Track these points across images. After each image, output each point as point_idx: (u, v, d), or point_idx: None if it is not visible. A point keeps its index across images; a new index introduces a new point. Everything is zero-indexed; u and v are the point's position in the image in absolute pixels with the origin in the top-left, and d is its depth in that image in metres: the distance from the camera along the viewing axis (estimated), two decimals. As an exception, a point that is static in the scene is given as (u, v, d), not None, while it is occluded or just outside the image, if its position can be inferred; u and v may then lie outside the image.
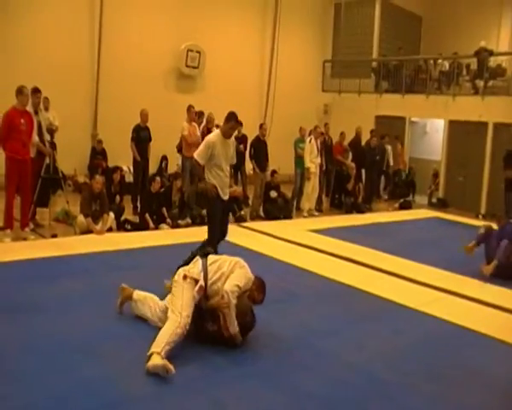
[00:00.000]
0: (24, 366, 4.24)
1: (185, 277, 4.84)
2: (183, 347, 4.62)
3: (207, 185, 6.75)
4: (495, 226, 8.46)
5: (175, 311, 4.66)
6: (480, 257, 8.18)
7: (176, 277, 4.95)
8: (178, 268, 5.10)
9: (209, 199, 6.79)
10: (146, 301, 5.23)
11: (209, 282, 4.86)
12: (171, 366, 4.20)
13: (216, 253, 6.18)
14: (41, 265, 6.85)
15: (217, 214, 6.86)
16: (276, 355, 4.86)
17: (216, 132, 6.93)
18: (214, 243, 6.73)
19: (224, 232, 7.07)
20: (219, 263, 5.00)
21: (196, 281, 4.82)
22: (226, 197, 6.93)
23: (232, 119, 6.75)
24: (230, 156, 6.98)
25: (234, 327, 4.77)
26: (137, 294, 5.31)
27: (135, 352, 4.53)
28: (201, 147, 6.76)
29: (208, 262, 5.00)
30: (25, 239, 7.92)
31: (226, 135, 6.78)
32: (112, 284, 5.58)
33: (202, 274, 4.87)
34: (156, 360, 4.26)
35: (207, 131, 11.72)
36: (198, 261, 5.03)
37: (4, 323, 5.02)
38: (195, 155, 6.78)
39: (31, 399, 3.79)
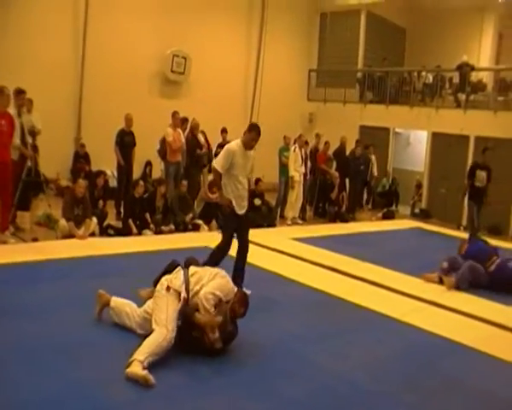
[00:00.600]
0: (8, 370, 4.20)
1: (168, 288, 4.83)
2: (166, 355, 4.57)
3: (223, 200, 6.56)
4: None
5: (160, 324, 4.61)
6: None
7: (158, 286, 4.93)
8: (159, 277, 5.07)
9: (223, 213, 6.66)
10: (123, 309, 5.17)
11: (190, 293, 4.84)
12: (151, 378, 4.17)
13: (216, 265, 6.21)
14: (21, 269, 6.76)
15: (228, 230, 6.63)
16: (260, 364, 4.84)
17: (236, 142, 6.58)
18: (221, 255, 6.57)
19: (242, 248, 6.73)
20: (200, 274, 4.98)
21: (179, 293, 4.81)
22: (243, 211, 6.64)
23: (254, 130, 6.50)
24: (249, 169, 6.70)
25: (214, 334, 4.72)
26: (115, 301, 5.25)
27: (114, 359, 4.49)
28: (221, 155, 6.52)
29: (189, 273, 4.98)
30: (5, 243, 7.81)
31: (247, 146, 6.49)
32: (93, 290, 5.50)
33: (184, 286, 4.85)
34: (137, 369, 4.21)
35: (191, 137, 11.73)
36: (179, 272, 5.01)
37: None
38: (214, 162, 6.61)
39: (15, 403, 3.76)
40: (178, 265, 5.22)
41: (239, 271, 6.65)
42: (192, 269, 5.08)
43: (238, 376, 4.59)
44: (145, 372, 4.20)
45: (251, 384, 4.47)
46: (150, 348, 4.42)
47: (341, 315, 6.43)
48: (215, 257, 6.53)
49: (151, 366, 4.30)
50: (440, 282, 7.94)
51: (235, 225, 6.63)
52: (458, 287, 7.74)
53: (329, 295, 7.06)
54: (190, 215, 10.52)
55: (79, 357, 4.54)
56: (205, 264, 6.03)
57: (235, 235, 6.72)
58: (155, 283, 5.07)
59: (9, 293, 5.84)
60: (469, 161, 14.41)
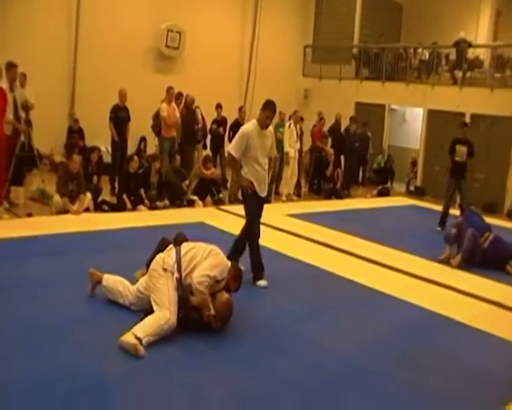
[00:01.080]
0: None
1: (165, 269, 4.76)
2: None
3: (243, 181, 6.28)
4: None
5: (162, 306, 4.57)
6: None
7: (154, 265, 4.86)
8: (152, 257, 5.04)
9: (245, 196, 6.36)
10: (116, 287, 5.12)
11: (183, 273, 4.75)
12: (141, 348, 4.20)
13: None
14: (15, 245, 6.74)
15: (254, 211, 6.36)
16: (254, 340, 4.86)
17: (252, 122, 6.25)
18: (253, 239, 6.39)
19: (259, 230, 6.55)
20: (193, 252, 4.86)
21: (172, 273, 4.76)
22: (264, 194, 6.40)
23: (268, 107, 6.11)
24: (268, 148, 6.33)
25: (210, 312, 4.70)
26: (106, 279, 5.19)
27: (108, 335, 4.48)
28: (236, 138, 6.24)
29: (182, 252, 4.87)
30: (-1, 218, 7.77)
31: (263, 125, 6.15)
32: (87, 266, 5.48)
33: (176, 266, 4.77)
34: (129, 338, 4.25)
35: (186, 111, 11.66)
36: (171, 251, 4.92)
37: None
38: (230, 147, 6.32)
39: (5, 382, 3.72)
40: (170, 243, 5.15)
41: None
42: (185, 247, 4.95)
43: (232, 351, 4.60)
44: (136, 341, 4.22)
45: (245, 360, 4.48)
46: (151, 328, 4.42)
47: (336, 291, 6.45)
48: (241, 242, 6.43)
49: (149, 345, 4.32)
50: (447, 262, 7.95)
51: (258, 208, 6.37)
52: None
53: (324, 270, 7.08)
54: (186, 182, 10.52)
55: (71, 335, 4.51)
56: (230, 253, 6.10)
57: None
58: (148, 264, 5.02)
59: (2, 269, 5.81)
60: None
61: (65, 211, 8.38)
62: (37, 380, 3.78)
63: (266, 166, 6.33)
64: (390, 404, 4.07)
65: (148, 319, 4.49)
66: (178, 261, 4.80)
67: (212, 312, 4.70)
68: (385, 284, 6.75)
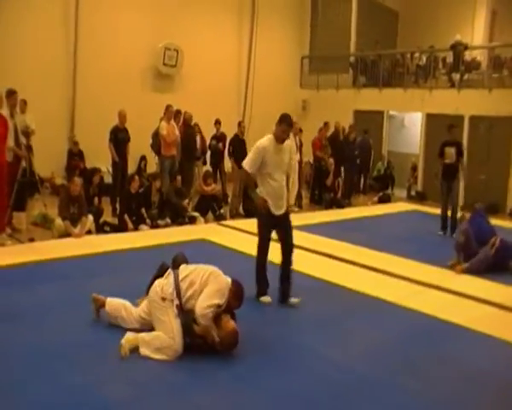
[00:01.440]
0: (5, 376, 4.20)
1: (163, 299, 4.74)
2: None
3: (257, 199, 6.03)
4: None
5: (168, 334, 4.60)
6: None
7: (152, 293, 4.85)
8: (151, 283, 5.02)
9: (258, 214, 6.13)
10: (119, 314, 5.11)
11: (183, 299, 4.73)
12: (127, 351, 4.52)
13: (263, 272, 6.27)
14: (19, 271, 6.77)
15: (263, 231, 6.12)
16: (258, 356, 4.85)
17: (268, 137, 5.99)
18: (260, 261, 6.22)
19: (285, 250, 6.23)
20: (192, 278, 4.80)
21: (172, 301, 4.73)
22: (280, 211, 6.05)
23: (284, 121, 5.88)
24: (286, 164, 6.05)
25: (214, 339, 4.70)
26: (109, 304, 5.18)
27: (113, 358, 4.52)
28: (251, 153, 6.01)
29: (180, 277, 4.82)
30: (2, 245, 7.82)
31: (279, 140, 5.89)
32: (91, 289, 5.51)
33: (175, 293, 4.74)
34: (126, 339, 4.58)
35: (184, 128, 11.74)
36: (170, 277, 4.88)
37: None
38: (244, 163, 6.01)
39: (11, 406, 3.76)
40: (168, 267, 5.11)
41: (285, 281, 6.20)
42: (183, 271, 4.89)
43: (237, 369, 4.59)
44: (124, 344, 4.52)
45: (250, 377, 4.47)
46: (153, 350, 4.57)
47: (340, 302, 6.44)
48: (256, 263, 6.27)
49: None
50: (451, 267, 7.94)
51: (272, 227, 6.11)
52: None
53: (326, 281, 7.08)
54: (186, 200, 10.59)
55: (79, 359, 4.53)
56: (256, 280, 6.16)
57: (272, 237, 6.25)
58: (148, 289, 5.00)
59: (7, 296, 5.84)
60: (465, 141, 14.38)
61: (67, 234, 8.42)
62: (47, 405, 3.81)
63: (284, 183, 6.05)
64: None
65: (156, 338, 4.62)
66: (177, 287, 4.75)
67: (217, 339, 4.70)
68: (388, 291, 6.75)
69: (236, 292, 4.89)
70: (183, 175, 11.42)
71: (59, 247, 7.91)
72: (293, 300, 6.11)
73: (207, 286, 4.73)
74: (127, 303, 5.18)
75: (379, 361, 4.87)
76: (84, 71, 13.34)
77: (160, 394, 4.10)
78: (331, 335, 5.43)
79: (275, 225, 6.12)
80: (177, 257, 5.39)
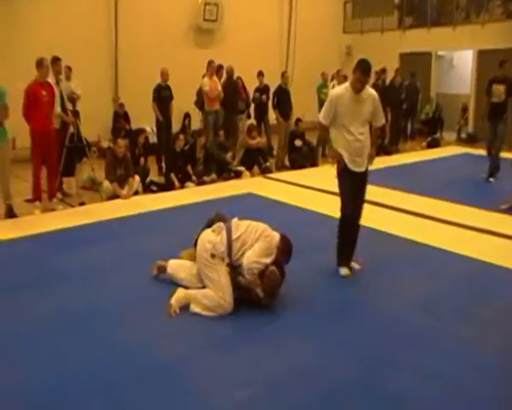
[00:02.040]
0: (58, 337, 4.30)
1: (213, 256, 4.71)
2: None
3: (330, 153, 5.61)
4: None
5: (217, 292, 4.62)
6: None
7: (202, 251, 4.77)
8: (200, 232, 5.00)
9: (338, 172, 5.49)
10: (178, 274, 5.13)
11: (233, 258, 4.70)
12: (176, 310, 4.63)
13: (347, 240, 5.55)
14: (71, 234, 6.92)
15: (345, 189, 5.47)
16: (306, 307, 4.84)
17: (344, 85, 5.52)
18: (344, 223, 5.51)
19: (356, 214, 5.54)
20: (243, 238, 4.72)
21: (223, 259, 4.71)
22: (359, 169, 5.42)
23: (358, 68, 5.22)
24: (365, 116, 5.38)
25: (258, 294, 4.72)
26: (170, 267, 5.21)
27: (163, 318, 4.59)
28: (325, 104, 5.54)
29: (233, 236, 4.74)
30: (53, 210, 7.99)
31: (354, 89, 5.30)
32: (141, 248, 5.62)
33: (227, 252, 4.70)
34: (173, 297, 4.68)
35: (227, 82, 11.66)
36: (222, 234, 4.78)
37: (37, 293, 5.10)
38: (319, 115, 5.57)
39: (67, 371, 3.83)
40: (219, 219, 5.04)
41: (351, 244, 5.64)
42: (236, 229, 4.79)
43: (285, 322, 4.60)
44: (174, 303, 4.63)
45: (299, 330, 4.47)
46: (202, 305, 4.64)
47: (389, 250, 6.34)
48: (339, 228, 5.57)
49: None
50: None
51: (351, 185, 5.45)
52: None
53: (375, 229, 6.94)
54: (230, 153, 10.58)
55: (131, 319, 4.59)
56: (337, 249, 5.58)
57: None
58: (195, 243, 4.97)
59: (61, 259, 5.98)
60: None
61: (115, 196, 8.54)
62: (98, 365, 3.88)
63: (363, 137, 5.38)
64: (453, 362, 3.97)
65: (201, 295, 4.67)
66: (229, 247, 4.70)
67: (261, 294, 4.71)
68: (439, 238, 6.61)
69: (284, 248, 4.81)
70: (228, 129, 11.39)
71: (108, 208, 8.05)
72: (355, 265, 5.70)
73: (257, 243, 4.69)
74: (187, 263, 5.17)
75: (430, 309, 4.79)
76: (126, 33, 13.33)
77: (210, 350, 4.14)
78: (380, 283, 5.37)
79: (353, 183, 5.45)
80: (218, 215, 5.25)
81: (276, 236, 4.84)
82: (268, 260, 4.68)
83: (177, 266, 5.20)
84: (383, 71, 13.53)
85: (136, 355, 4.03)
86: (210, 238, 4.80)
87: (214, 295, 4.63)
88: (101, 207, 8.17)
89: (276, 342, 4.26)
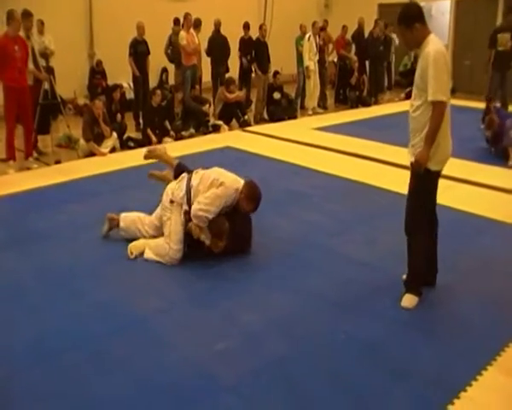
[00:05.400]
0: (36, 295, 4.32)
1: (172, 201, 4.80)
2: (192, 260, 4.71)
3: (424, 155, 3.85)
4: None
5: (165, 239, 4.75)
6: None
7: (164, 196, 4.89)
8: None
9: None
10: (133, 226, 5.13)
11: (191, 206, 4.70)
12: (133, 253, 4.84)
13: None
14: (47, 192, 6.86)
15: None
16: (286, 259, 4.86)
17: (437, 40, 3.90)
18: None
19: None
20: (199, 186, 4.74)
21: (181, 205, 4.75)
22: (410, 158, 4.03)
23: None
24: (417, 81, 3.95)
25: (207, 240, 4.70)
26: (124, 220, 5.16)
27: (141, 273, 4.63)
28: (438, 71, 3.72)
29: (192, 183, 4.78)
30: (28, 169, 7.87)
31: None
32: (118, 205, 5.56)
33: (185, 198, 4.74)
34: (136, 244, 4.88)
35: (216, 36, 11.75)
36: (183, 181, 4.88)
37: (15, 252, 5.08)
38: (434, 90, 3.72)
39: (45, 325, 3.86)
40: (183, 171, 5.08)
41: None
42: (195, 177, 4.85)
43: (265, 273, 4.63)
44: (131, 247, 4.86)
45: (278, 280, 4.50)
46: (154, 251, 4.79)
47: (369, 202, 6.31)
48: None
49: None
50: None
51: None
52: None
53: (355, 182, 6.99)
54: (207, 105, 10.52)
55: (108, 275, 4.61)
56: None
57: None
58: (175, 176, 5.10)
59: (37, 217, 5.93)
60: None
61: (92, 153, 8.44)
62: (74, 319, 3.91)
63: (415, 114, 3.93)
64: (431, 310, 4.02)
65: (154, 243, 4.83)
66: (188, 193, 4.74)
67: (207, 241, 4.69)
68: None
69: (249, 194, 4.74)
70: (217, 80, 11.56)
71: (85, 166, 7.95)
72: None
73: (207, 192, 4.67)
74: (141, 214, 5.20)
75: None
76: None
77: (187, 303, 4.18)
78: (359, 235, 5.37)
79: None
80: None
81: (239, 182, 4.79)
82: (217, 210, 4.63)
83: (131, 221, 5.16)
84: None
85: (114, 310, 4.05)
86: (172, 185, 4.94)
87: (163, 242, 4.73)
88: (78, 165, 8.06)
89: (253, 294, 4.29)
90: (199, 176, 4.87)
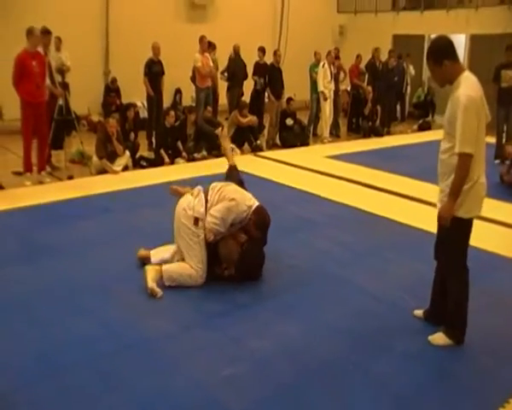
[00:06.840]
0: (44, 310, 4.30)
1: (196, 221, 4.64)
2: (204, 284, 4.69)
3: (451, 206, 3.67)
4: None
5: (192, 260, 4.61)
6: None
7: (183, 218, 4.68)
8: None
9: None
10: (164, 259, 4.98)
11: None
12: (158, 290, 4.48)
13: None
14: (59, 207, 6.88)
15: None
16: (296, 288, 4.83)
17: (471, 79, 3.75)
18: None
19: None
20: (216, 196, 4.73)
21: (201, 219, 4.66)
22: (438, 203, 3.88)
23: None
24: (445, 122, 3.77)
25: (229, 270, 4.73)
26: (154, 256, 4.99)
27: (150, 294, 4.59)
28: (467, 117, 3.54)
29: (209, 197, 4.75)
30: (41, 183, 7.92)
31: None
32: (130, 223, 5.57)
33: (206, 212, 4.67)
34: (148, 280, 4.53)
35: (235, 57, 12.06)
36: (200, 195, 4.79)
37: (25, 267, 5.08)
38: (461, 140, 3.53)
39: (52, 341, 3.84)
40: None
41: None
42: (211, 191, 4.81)
43: (276, 300, 4.60)
44: (152, 285, 4.50)
45: (289, 308, 4.47)
46: (176, 274, 4.62)
47: (379, 233, 6.30)
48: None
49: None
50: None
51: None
52: None
53: (366, 212, 6.97)
54: (220, 128, 10.51)
55: (117, 294, 4.59)
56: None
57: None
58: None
59: (49, 232, 5.94)
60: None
61: (104, 170, 8.49)
62: (84, 338, 3.88)
63: (444, 156, 3.75)
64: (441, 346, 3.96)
65: (177, 266, 4.66)
66: (206, 204, 4.69)
67: (232, 271, 4.72)
68: (430, 222, 6.55)
69: (257, 221, 4.74)
70: (234, 100, 11.87)
71: (97, 183, 7.99)
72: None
73: (219, 204, 4.65)
74: (168, 247, 5.05)
75: (419, 293, 4.68)
76: (118, 5, 13.19)
77: (197, 327, 4.15)
78: (370, 266, 5.33)
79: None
80: None
81: (248, 201, 4.80)
82: (224, 216, 4.60)
83: (161, 252, 5.03)
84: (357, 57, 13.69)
85: (123, 330, 4.03)
86: (188, 201, 4.76)
87: (186, 264, 4.63)
88: (91, 182, 8.11)
89: (263, 321, 4.25)
90: (215, 190, 4.82)
